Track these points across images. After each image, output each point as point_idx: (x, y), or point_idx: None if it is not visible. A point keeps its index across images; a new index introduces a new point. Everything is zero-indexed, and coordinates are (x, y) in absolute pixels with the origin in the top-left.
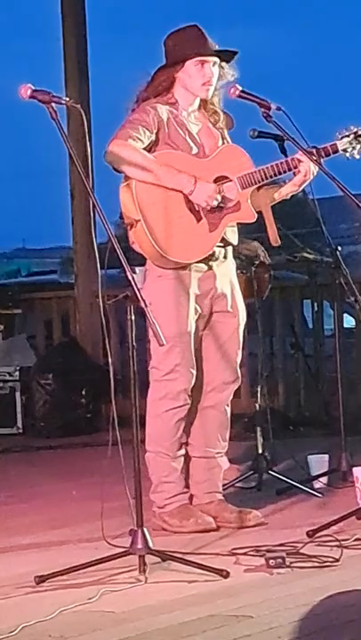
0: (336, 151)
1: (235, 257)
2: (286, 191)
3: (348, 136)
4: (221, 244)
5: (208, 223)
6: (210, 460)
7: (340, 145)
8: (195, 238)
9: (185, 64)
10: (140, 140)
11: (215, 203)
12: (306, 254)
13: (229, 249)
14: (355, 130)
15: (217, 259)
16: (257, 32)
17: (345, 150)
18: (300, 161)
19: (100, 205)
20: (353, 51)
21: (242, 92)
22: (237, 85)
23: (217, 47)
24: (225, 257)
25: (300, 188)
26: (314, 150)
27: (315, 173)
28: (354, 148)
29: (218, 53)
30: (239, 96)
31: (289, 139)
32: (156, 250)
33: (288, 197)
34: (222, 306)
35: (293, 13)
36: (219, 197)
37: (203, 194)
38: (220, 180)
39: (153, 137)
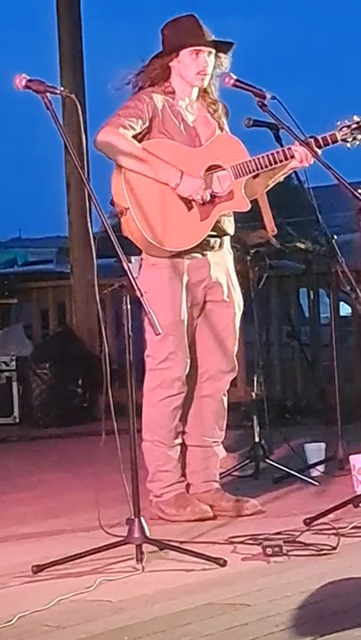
0: (335, 141)
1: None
2: (278, 175)
3: (348, 126)
4: (216, 234)
5: (199, 212)
6: (207, 449)
7: (340, 135)
8: (185, 227)
9: (180, 54)
10: (132, 128)
11: (198, 197)
12: (299, 244)
13: (226, 239)
14: (357, 120)
15: (212, 248)
16: (253, 21)
17: (345, 140)
18: (296, 152)
19: (95, 195)
20: (350, 41)
21: (237, 80)
22: (232, 75)
23: (213, 37)
24: (220, 246)
25: (291, 170)
26: (312, 140)
27: (310, 162)
28: (355, 138)
29: (214, 44)
30: (234, 85)
31: (284, 127)
32: (145, 238)
33: (281, 179)
34: (217, 295)
35: (291, 2)
36: (207, 196)
37: (188, 188)
38: (213, 168)
39: (146, 125)
